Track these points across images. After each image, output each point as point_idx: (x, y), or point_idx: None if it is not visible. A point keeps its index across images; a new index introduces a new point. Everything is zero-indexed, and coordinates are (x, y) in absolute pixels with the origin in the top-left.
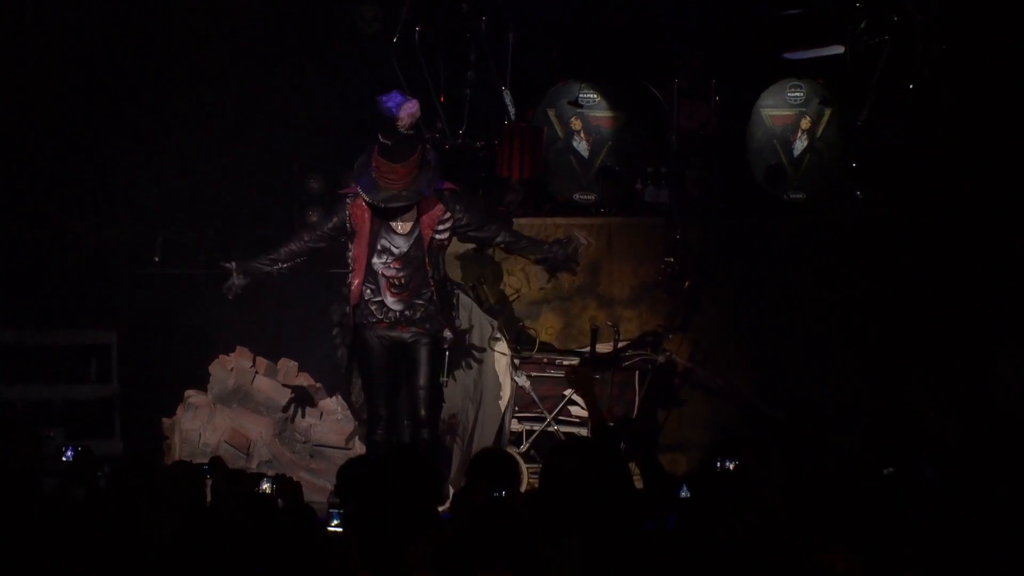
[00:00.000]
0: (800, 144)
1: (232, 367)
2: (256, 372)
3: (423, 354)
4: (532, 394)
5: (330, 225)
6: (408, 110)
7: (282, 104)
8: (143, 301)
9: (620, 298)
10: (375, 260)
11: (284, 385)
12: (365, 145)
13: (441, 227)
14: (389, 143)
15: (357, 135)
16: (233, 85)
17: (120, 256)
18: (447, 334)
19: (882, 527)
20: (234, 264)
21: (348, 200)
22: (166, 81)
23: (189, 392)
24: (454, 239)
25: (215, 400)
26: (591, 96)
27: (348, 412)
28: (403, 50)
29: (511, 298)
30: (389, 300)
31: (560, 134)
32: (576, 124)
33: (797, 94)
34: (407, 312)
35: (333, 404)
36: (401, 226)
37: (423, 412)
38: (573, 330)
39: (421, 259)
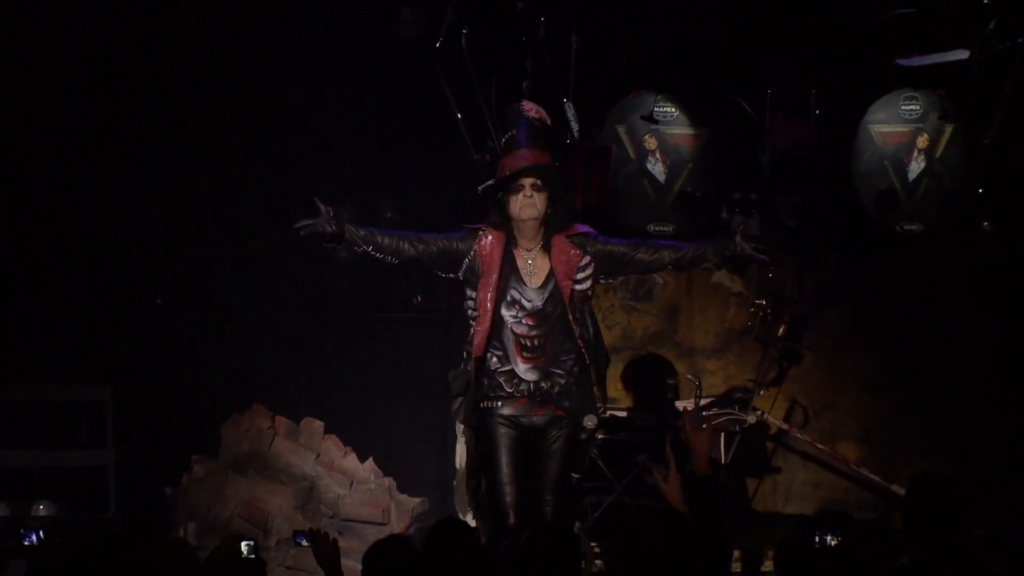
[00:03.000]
0: (916, 166)
1: (247, 428)
2: (275, 434)
3: (558, 444)
4: (599, 460)
5: (451, 248)
6: (532, 103)
7: (308, 123)
8: (143, 351)
9: (702, 347)
10: (504, 312)
11: (307, 449)
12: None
13: (581, 275)
14: (513, 132)
15: (393, 159)
16: (253, 100)
17: (117, 297)
18: (588, 422)
19: None
20: (331, 211)
21: (478, 233)
22: (178, 98)
23: (196, 457)
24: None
25: (227, 467)
26: (668, 110)
27: (381, 481)
28: (448, 57)
29: None
30: (521, 368)
31: (632, 154)
32: (651, 143)
33: (913, 107)
34: (543, 384)
35: (365, 472)
36: (533, 278)
37: (549, 514)
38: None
39: (560, 317)
